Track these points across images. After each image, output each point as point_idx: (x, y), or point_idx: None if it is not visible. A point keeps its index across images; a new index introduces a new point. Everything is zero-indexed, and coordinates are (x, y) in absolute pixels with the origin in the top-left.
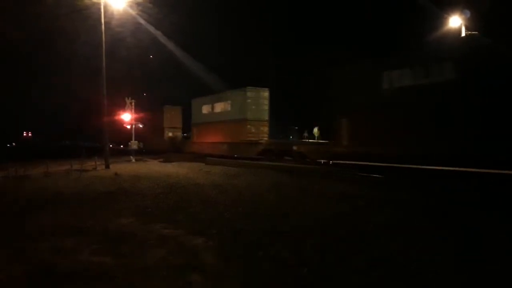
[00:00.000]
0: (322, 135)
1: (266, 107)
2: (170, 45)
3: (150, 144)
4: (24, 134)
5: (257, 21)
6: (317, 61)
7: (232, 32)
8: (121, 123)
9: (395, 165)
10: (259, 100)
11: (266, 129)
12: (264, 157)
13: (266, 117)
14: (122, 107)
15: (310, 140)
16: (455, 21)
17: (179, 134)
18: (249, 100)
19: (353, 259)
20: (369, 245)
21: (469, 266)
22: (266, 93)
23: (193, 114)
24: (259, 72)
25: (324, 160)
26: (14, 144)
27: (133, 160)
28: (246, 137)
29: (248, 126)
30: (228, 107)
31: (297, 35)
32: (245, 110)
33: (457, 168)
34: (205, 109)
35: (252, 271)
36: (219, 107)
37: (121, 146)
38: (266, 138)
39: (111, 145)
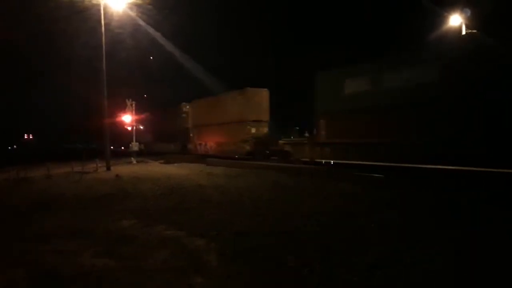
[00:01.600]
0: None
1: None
2: (169, 46)
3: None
4: (25, 136)
5: (257, 21)
6: (316, 61)
7: (231, 33)
8: (121, 125)
9: (393, 164)
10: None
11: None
12: None
13: None
14: (123, 108)
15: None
16: (455, 20)
17: (265, 129)
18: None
19: (354, 260)
20: (370, 246)
21: (468, 266)
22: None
23: (320, 97)
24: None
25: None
26: (15, 146)
27: (134, 162)
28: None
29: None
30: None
31: (297, 35)
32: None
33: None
34: (352, 85)
35: (253, 273)
36: (397, 77)
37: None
38: None
39: (112, 147)
